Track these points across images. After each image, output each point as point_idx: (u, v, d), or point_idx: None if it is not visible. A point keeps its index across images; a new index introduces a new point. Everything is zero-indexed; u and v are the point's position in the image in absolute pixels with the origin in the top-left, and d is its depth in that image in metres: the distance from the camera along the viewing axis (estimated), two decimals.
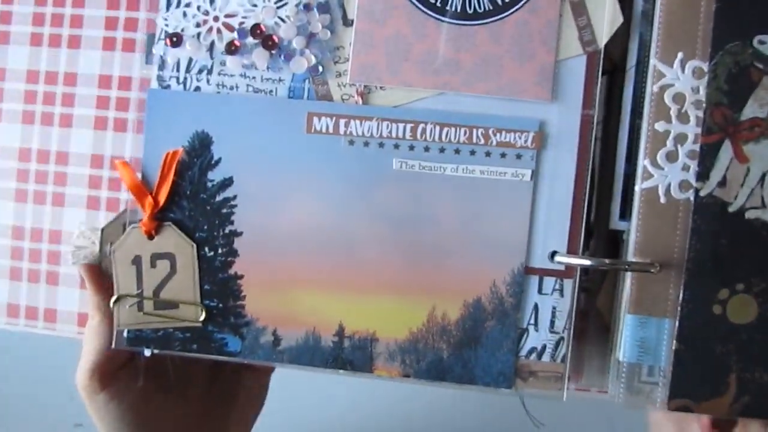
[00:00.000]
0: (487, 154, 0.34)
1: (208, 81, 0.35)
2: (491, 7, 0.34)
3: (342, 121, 0.34)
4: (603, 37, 0.34)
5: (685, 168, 0.34)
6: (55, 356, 0.47)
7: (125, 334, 0.36)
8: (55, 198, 0.39)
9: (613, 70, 0.36)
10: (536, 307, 0.35)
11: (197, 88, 0.35)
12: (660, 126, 0.34)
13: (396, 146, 0.34)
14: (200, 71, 0.35)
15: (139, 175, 0.36)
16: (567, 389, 0.36)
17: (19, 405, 0.58)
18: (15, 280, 0.40)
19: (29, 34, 0.39)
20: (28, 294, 0.40)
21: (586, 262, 0.34)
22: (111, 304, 0.36)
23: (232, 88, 0.35)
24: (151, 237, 0.36)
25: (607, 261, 0.34)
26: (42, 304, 0.40)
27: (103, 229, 0.37)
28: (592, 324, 0.37)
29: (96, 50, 0.39)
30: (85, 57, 0.39)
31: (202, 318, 0.36)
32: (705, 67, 0.33)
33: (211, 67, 0.35)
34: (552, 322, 0.35)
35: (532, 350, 0.35)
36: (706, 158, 0.33)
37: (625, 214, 0.35)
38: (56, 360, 0.50)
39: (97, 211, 0.39)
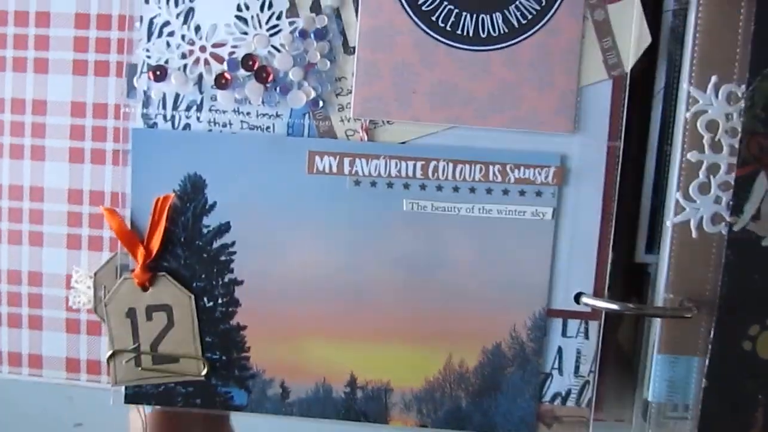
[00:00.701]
0: (505, 192, 0.33)
1: (198, 118, 0.34)
2: (506, 30, 0.33)
3: (346, 160, 0.33)
4: (630, 59, 0.33)
5: (718, 201, 0.34)
6: None
7: (123, 390, 0.36)
8: (32, 237, 0.39)
9: (633, 88, 0.35)
10: (560, 350, 0.35)
11: (187, 126, 0.34)
12: (692, 156, 0.33)
13: (406, 186, 0.33)
14: (189, 107, 0.34)
15: (128, 222, 0.35)
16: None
17: (19, 405, 0.59)
18: None
19: None
20: (10, 341, 0.40)
21: (615, 307, 0.33)
22: (107, 360, 0.36)
23: (224, 125, 0.34)
24: (145, 288, 0.35)
25: (635, 306, 0.34)
26: (26, 350, 0.40)
27: (95, 274, 0.36)
28: (612, 356, 0.38)
29: (67, 74, 0.37)
30: (55, 81, 0.38)
31: (204, 372, 0.36)
32: (739, 92, 0.33)
33: (201, 102, 0.34)
34: (577, 367, 0.35)
35: (556, 395, 0.35)
36: (740, 191, 0.33)
37: (652, 246, 0.36)
38: None
39: (79, 251, 0.38)
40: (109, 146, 0.37)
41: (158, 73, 0.33)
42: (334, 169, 0.33)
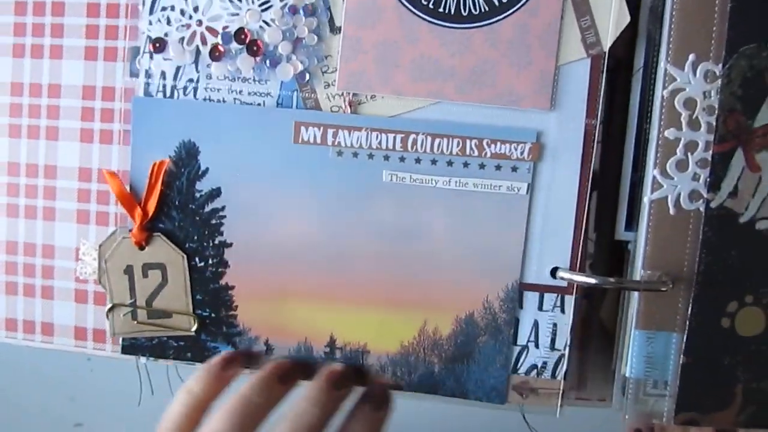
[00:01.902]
0: (481, 166, 0.34)
1: (195, 93, 0.36)
2: (487, 9, 0.34)
3: (330, 131, 0.35)
4: (608, 38, 0.34)
5: (696, 177, 0.34)
6: (55, 357, 0.49)
7: (120, 342, 0.38)
8: (45, 212, 0.41)
9: (616, 67, 0.36)
10: (536, 323, 0.35)
11: (183, 97, 0.36)
12: (670, 134, 0.34)
13: (386, 157, 0.35)
14: (187, 83, 0.36)
15: (128, 186, 0.37)
16: (569, 398, 0.37)
17: (19, 405, 0.61)
18: (11, 295, 0.42)
19: (11, 45, 0.41)
20: (25, 308, 0.42)
21: (592, 281, 0.34)
22: (105, 313, 0.38)
23: (219, 100, 0.36)
24: (141, 247, 0.37)
25: (614, 279, 0.34)
26: (38, 318, 0.42)
27: (100, 246, 0.39)
28: (595, 333, 0.38)
29: (78, 60, 0.40)
30: (68, 65, 0.40)
31: (194, 327, 0.37)
32: (717, 70, 0.33)
33: (197, 79, 0.36)
34: (552, 340, 0.35)
35: (532, 367, 0.36)
36: (718, 168, 0.33)
37: (631, 224, 0.36)
38: (57, 360, 0.53)
39: (87, 225, 0.40)
40: (116, 126, 0.39)
41: (158, 45, 0.35)
42: (318, 140, 0.34)
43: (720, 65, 0.32)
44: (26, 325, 0.42)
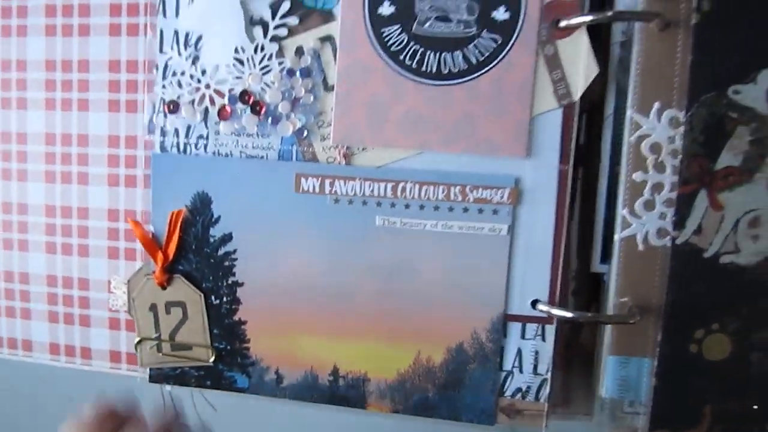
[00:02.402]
0: (465, 210, 0.38)
1: (205, 148, 0.40)
2: (466, 66, 0.37)
3: (327, 181, 0.38)
4: (578, 89, 0.36)
5: (662, 216, 0.37)
6: (90, 381, 0.54)
7: (148, 371, 0.43)
8: (80, 249, 0.46)
9: (591, 109, 0.39)
10: (519, 351, 0.39)
11: (196, 154, 0.40)
12: (637, 176, 0.36)
13: (378, 204, 0.38)
14: (198, 139, 0.40)
15: (150, 231, 0.42)
16: (556, 413, 0.41)
17: (19, 404, 0.65)
18: (53, 323, 0.47)
19: (43, 100, 0.45)
20: (65, 335, 0.47)
21: (567, 314, 0.37)
22: (135, 345, 0.43)
23: (227, 154, 0.40)
24: (164, 287, 0.42)
25: (588, 314, 0.38)
26: (78, 343, 0.47)
27: (129, 281, 0.43)
28: (577, 356, 0.41)
29: (103, 112, 0.44)
30: (94, 118, 0.44)
31: (212, 359, 0.42)
32: (681, 116, 0.36)
33: (207, 135, 0.40)
34: (535, 366, 0.39)
35: (517, 390, 0.39)
36: (683, 207, 0.36)
37: (606, 257, 0.39)
38: (91, 384, 0.58)
39: (117, 260, 0.45)
40: (139, 172, 0.43)
41: (171, 106, 0.39)
42: (317, 189, 0.38)
43: (683, 112, 0.35)
44: (67, 349, 0.47)
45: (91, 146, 0.44)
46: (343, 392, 0.39)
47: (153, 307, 0.40)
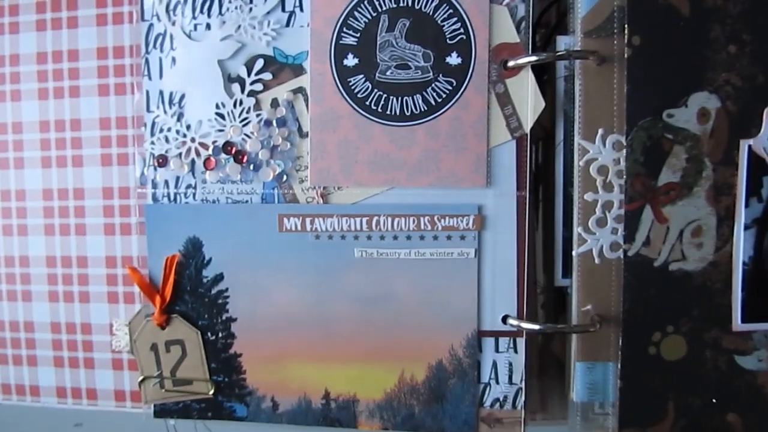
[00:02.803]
0: (435, 237, 0.41)
1: (194, 196, 0.43)
2: (426, 108, 0.41)
3: (308, 220, 0.42)
4: (528, 122, 0.41)
5: (614, 231, 0.41)
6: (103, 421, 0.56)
7: (152, 408, 0.46)
8: (81, 296, 0.49)
9: (546, 137, 0.43)
10: (494, 363, 0.42)
11: (186, 203, 0.44)
12: (589, 196, 0.40)
13: (356, 237, 0.42)
14: (186, 189, 0.44)
15: (147, 277, 0.45)
16: (533, 421, 0.44)
17: (19, 404, 0.66)
18: (59, 367, 0.50)
19: (39, 158, 0.49)
20: (71, 378, 0.50)
21: (535, 327, 0.41)
22: (138, 383, 0.46)
23: (214, 201, 0.43)
24: (163, 327, 0.45)
25: (553, 326, 0.41)
26: (83, 385, 0.50)
27: (129, 323, 0.47)
28: (551, 364, 0.45)
29: (97, 166, 0.48)
30: (89, 172, 0.48)
31: (212, 392, 0.45)
32: (623, 140, 0.40)
33: (195, 185, 0.43)
34: (510, 376, 0.42)
35: (495, 401, 0.42)
36: (631, 222, 0.40)
37: (567, 272, 0.43)
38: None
39: (117, 304, 0.48)
40: (133, 220, 0.47)
41: (161, 160, 0.43)
42: (299, 227, 0.42)
43: (624, 136, 0.39)
44: (74, 392, 0.50)
45: (86, 198, 0.48)
46: (335, 414, 0.42)
47: (154, 347, 0.44)
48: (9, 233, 0.49)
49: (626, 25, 0.38)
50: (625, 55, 0.38)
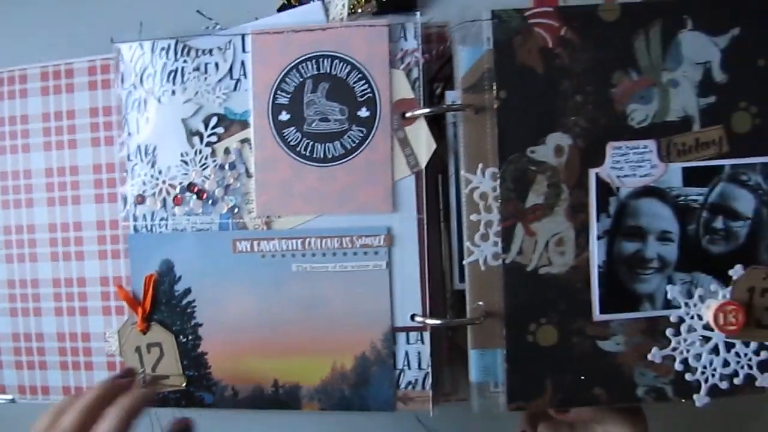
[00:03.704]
0: (355, 253, 0.53)
1: (166, 227, 0.56)
2: (344, 151, 0.53)
3: (255, 243, 0.54)
4: (423, 160, 0.52)
5: (495, 244, 0.52)
6: None
7: None
8: (81, 310, 0.61)
9: (444, 170, 0.55)
10: (407, 353, 0.54)
11: (160, 232, 0.56)
12: (474, 217, 0.52)
13: (293, 255, 0.54)
14: (160, 221, 0.56)
15: (131, 293, 0.57)
16: (448, 401, 0.55)
17: (19, 404, 0.75)
18: (64, 370, 0.63)
19: (46, 198, 0.61)
20: (75, 379, 0.63)
21: (435, 322, 0.52)
22: None
23: (182, 230, 0.56)
24: (144, 333, 0.57)
25: (448, 321, 0.52)
26: (85, 384, 0.62)
27: (118, 332, 0.59)
28: (459, 354, 0.56)
29: (92, 203, 0.60)
30: (85, 209, 0.61)
31: (184, 384, 0.57)
32: (498, 171, 0.51)
33: (167, 217, 0.56)
34: (419, 363, 0.54)
35: (408, 383, 0.54)
36: (506, 237, 0.51)
37: (462, 277, 0.54)
38: None
39: (110, 316, 0.61)
40: (122, 246, 0.59)
41: (140, 199, 0.55)
42: (249, 249, 0.53)
43: (498, 169, 0.51)
44: (77, 390, 0.62)
45: (84, 230, 0.60)
46: (284, 399, 0.54)
47: (138, 349, 0.56)
48: (22, 260, 0.62)
49: (494, 83, 0.50)
50: (495, 106, 0.50)
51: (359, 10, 0.63)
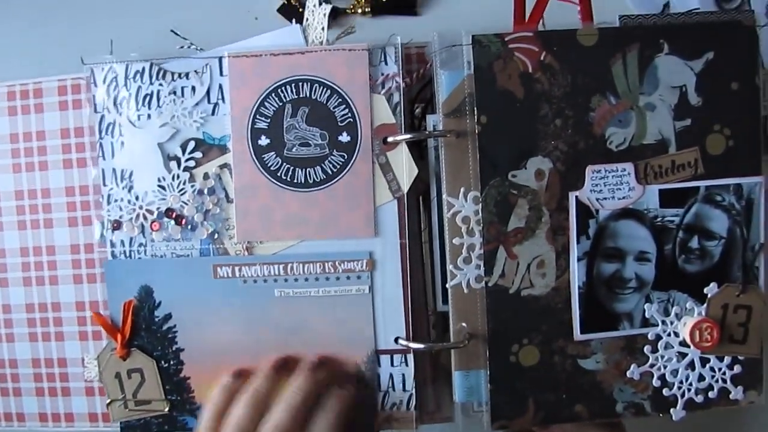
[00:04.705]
0: (337, 278, 0.54)
1: (145, 252, 0.56)
2: (325, 177, 0.54)
3: (236, 268, 0.55)
4: (405, 185, 0.54)
5: (477, 267, 0.53)
6: None
7: (119, 425, 0.59)
8: (56, 335, 0.61)
9: (427, 190, 0.56)
10: (391, 375, 0.55)
11: (139, 258, 0.57)
12: (456, 240, 0.53)
13: (275, 280, 0.55)
14: (138, 246, 0.56)
15: (109, 319, 0.58)
16: (432, 421, 0.57)
17: (7, 428, 0.74)
18: (40, 396, 0.63)
19: (16, 222, 0.61)
20: (51, 405, 0.63)
21: (420, 346, 0.54)
22: (106, 405, 0.58)
23: (162, 256, 0.56)
24: (124, 359, 0.58)
25: (433, 345, 0.54)
26: (62, 410, 0.63)
27: (98, 357, 0.59)
28: (442, 374, 0.58)
29: (65, 227, 0.60)
30: (58, 232, 0.60)
31: (167, 409, 0.57)
32: (480, 195, 0.53)
33: (145, 243, 0.56)
34: (403, 385, 0.55)
35: (393, 404, 0.56)
36: (489, 260, 0.53)
37: (445, 300, 0.56)
38: None
39: (87, 341, 0.61)
40: (98, 270, 0.59)
41: (116, 225, 0.55)
42: (230, 275, 0.54)
43: (480, 193, 0.52)
44: (54, 416, 0.62)
45: (58, 254, 0.60)
46: None
47: (118, 375, 0.56)
48: None
49: (475, 108, 0.51)
50: (476, 131, 0.51)
51: (359, 11, 0.64)
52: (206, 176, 0.53)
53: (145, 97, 0.53)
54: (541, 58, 0.50)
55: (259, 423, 0.47)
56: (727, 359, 0.53)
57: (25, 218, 0.59)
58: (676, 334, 0.53)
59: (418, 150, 0.53)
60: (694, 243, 0.52)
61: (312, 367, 0.50)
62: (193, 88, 0.52)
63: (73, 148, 0.58)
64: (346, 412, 0.49)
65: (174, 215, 0.53)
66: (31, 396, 0.61)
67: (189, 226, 0.53)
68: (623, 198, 0.51)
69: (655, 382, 0.53)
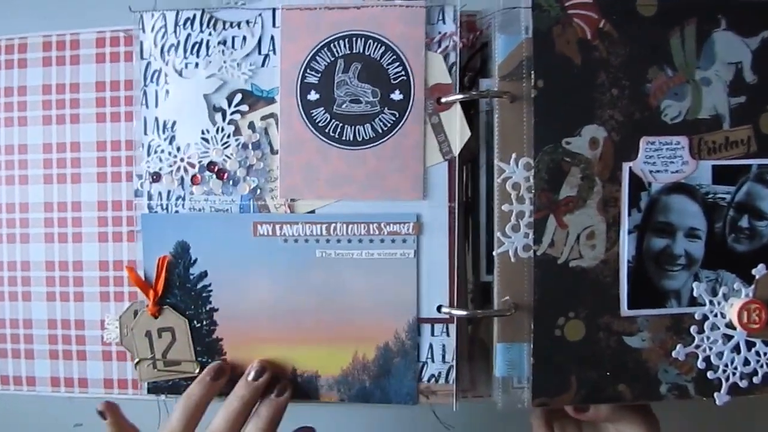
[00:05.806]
0: (382, 241, 0.54)
1: (183, 206, 0.56)
2: (374, 135, 0.54)
3: (277, 226, 0.55)
4: (457, 147, 0.54)
5: (526, 236, 0.54)
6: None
7: (146, 385, 0.58)
8: (75, 296, 0.60)
9: (473, 159, 0.56)
10: (431, 345, 0.55)
11: (176, 212, 0.56)
12: (505, 207, 0.54)
13: (317, 241, 0.54)
14: (177, 200, 0.56)
15: (142, 275, 0.57)
16: (465, 398, 0.57)
17: (19, 404, 0.73)
18: (54, 360, 0.61)
19: (42, 175, 0.60)
20: (65, 369, 0.61)
21: (463, 313, 0.54)
22: (134, 365, 0.57)
23: (200, 210, 0.56)
24: (155, 317, 0.57)
25: (478, 311, 0.54)
26: (76, 375, 0.61)
27: (120, 318, 0.58)
28: (478, 349, 0.58)
29: (93, 182, 0.60)
30: (85, 188, 0.60)
31: (197, 371, 0.56)
32: (532, 162, 0.53)
33: (184, 197, 0.56)
34: (443, 356, 0.55)
35: (431, 376, 0.55)
36: (538, 228, 0.53)
37: (490, 270, 0.56)
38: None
39: (108, 302, 0.60)
40: (125, 229, 0.59)
41: (155, 177, 0.55)
42: (270, 233, 0.54)
43: (532, 159, 0.53)
44: (66, 381, 0.61)
45: (84, 211, 0.60)
46: (302, 388, 0.54)
47: (148, 333, 0.55)
48: (12, 241, 0.61)
49: (532, 72, 0.52)
50: (532, 95, 0.52)
51: None
52: (252, 126, 0.53)
53: (194, 46, 0.53)
54: (600, 25, 0.51)
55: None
56: None
57: (51, 172, 0.59)
58: (723, 315, 0.53)
59: (466, 118, 0.53)
60: (744, 222, 0.53)
61: (249, 373, 0.52)
62: (244, 38, 0.52)
63: (108, 102, 0.58)
64: (279, 420, 0.52)
65: (216, 169, 0.53)
66: (44, 359, 0.60)
67: (230, 181, 0.53)
68: (676, 172, 0.52)
69: (700, 364, 0.53)
